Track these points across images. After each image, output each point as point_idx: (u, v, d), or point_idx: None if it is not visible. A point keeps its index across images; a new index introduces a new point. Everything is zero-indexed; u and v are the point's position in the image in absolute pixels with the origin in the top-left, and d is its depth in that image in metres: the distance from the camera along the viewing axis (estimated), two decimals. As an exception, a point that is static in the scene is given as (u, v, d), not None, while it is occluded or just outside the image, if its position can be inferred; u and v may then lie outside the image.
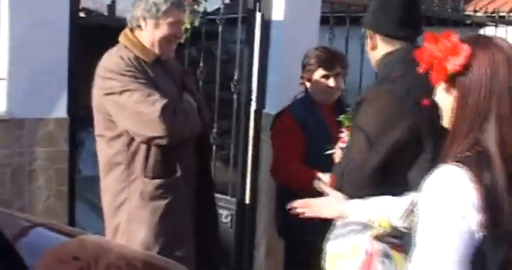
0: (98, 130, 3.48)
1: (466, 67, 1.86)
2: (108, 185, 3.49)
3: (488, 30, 6.77)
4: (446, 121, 1.98)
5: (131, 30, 3.48)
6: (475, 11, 6.64)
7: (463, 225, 1.75)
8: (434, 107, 2.03)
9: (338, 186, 2.68)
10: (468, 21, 6.65)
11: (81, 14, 10.99)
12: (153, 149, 3.37)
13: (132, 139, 3.35)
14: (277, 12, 4.94)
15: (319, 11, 5.14)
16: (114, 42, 3.52)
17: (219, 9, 5.16)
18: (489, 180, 1.77)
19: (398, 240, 2.10)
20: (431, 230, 1.78)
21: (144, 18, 3.40)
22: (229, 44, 6.60)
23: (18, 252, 2.62)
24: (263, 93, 5.02)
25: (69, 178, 4.36)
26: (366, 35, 3.01)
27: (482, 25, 7.01)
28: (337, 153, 3.17)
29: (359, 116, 2.79)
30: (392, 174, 2.61)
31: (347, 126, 3.10)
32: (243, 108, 5.06)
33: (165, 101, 3.26)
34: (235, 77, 5.02)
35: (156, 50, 3.43)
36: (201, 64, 4.98)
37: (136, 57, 3.37)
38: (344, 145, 3.05)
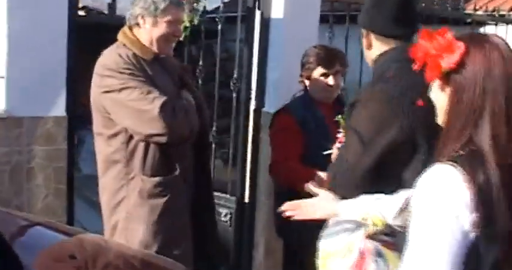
0: (96, 128, 3.48)
1: (461, 65, 1.85)
2: (106, 183, 3.48)
3: (488, 29, 6.76)
4: (440, 119, 1.97)
5: (130, 28, 3.48)
6: (475, 10, 6.62)
7: (456, 226, 1.74)
8: (430, 107, 2.02)
9: (332, 187, 2.67)
10: (468, 20, 6.64)
11: (82, 13, 10.98)
12: (152, 147, 3.37)
13: (131, 137, 3.35)
14: (277, 10, 4.93)
15: (318, 10, 5.13)
16: (114, 40, 3.52)
17: (218, 7, 5.14)
18: (483, 179, 1.77)
19: (391, 238, 2.09)
20: (424, 230, 1.78)
21: (143, 17, 3.39)
22: (229, 42, 6.58)
23: (14, 252, 2.61)
24: (262, 91, 5.01)
25: (67, 176, 4.34)
26: (361, 33, 3.00)
27: (482, 24, 7.00)
28: (334, 154, 3.16)
29: (353, 118, 2.78)
30: (387, 175, 2.60)
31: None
32: (243, 106, 5.04)
33: (164, 98, 3.26)
34: (235, 76, 5.01)
35: (155, 48, 3.43)
36: (201, 62, 4.97)
37: (135, 55, 3.37)
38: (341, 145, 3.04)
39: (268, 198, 4.79)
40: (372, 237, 2.08)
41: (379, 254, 2.06)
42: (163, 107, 3.24)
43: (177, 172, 3.44)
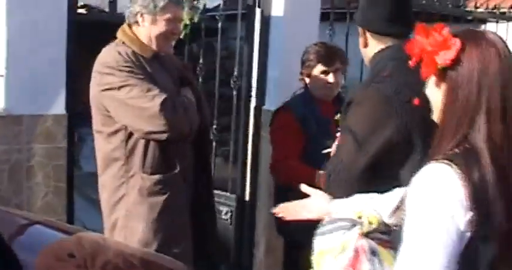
0: (96, 126, 3.47)
1: (456, 61, 1.84)
2: (106, 181, 3.48)
3: (489, 26, 6.75)
4: (435, 116, 1.95)
5: (129, 26, 3.47)
6: (476, 7, 6.61)
7: (451, 225, 1.73)
8: (426, 106, 2.01)
9: (326, 187, 2.66)
10: (469, 17, 6.63)
11: (83, 11, 10.99)
12: (152, 145, 3.36)
13: (130, 135, 3.34)
14: (277, 8, 4.93)
15: (319, 7, 5.12)
16: (115, 38, 3.51)
17: (219, 5, 5.14)
18: (478, 177, 1.75)
19: (387, 236, 2.08)
20: (419, 230, 1.77)
21: (142, 14, 3.39)
22: (230, 40, 6.58)
23: (13, 251, 2.60)
24: (263, 89, 5.01)
25: (67, 174, 4.34)
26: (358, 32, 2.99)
27: (483, 21, 6.99)
28: (333, 152, 3.16)
29: (348, 117, 2.77)
30: (383, 175, 2.59)
31: None
32: (243, 104, 5.04)
33: (164, 95, 3.26)
34: (235, 73, 5.00)
35: (154, 46, 3.42)
36: (201, 60, 4.96)
37: (134, 53, 3.37)
38: None
39: (268, 196, 4.78)
40: (367, 235, 2.07)
41: (373, 253, 2.04)
42: (163, 105, 3.23)
43: (177, 170, 3.43)
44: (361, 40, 2.93)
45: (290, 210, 2.57)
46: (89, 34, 5.15)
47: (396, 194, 2.17)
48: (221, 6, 5.10)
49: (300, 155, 3.89)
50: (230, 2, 5.16)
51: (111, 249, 2.99)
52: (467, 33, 1.89)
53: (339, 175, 2.67)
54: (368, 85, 2.76)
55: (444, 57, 1.83)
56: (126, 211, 3.41)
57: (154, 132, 3.28)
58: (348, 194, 2.41)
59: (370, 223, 2.07)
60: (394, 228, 2.01)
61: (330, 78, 3.91)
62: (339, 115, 3.12)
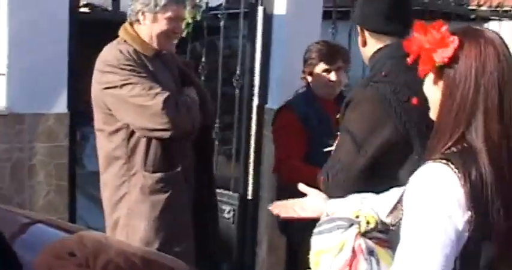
0: (98, 124, 3.47)
1: (454, 59, 1.82)
2: (108, 179, 3.48)
3: (492, 25, 6.73)
4: (433, 113, 1.94)
5: (131, 24, 3.47)
6: (479, 5, 6.60)
7: (449, 225, 1.71)
8: (425, 106, 1.99)
9: (325, 187, 2.65)
10: (472, 16, 6.61)
11: (86, 9, 11.00)
12: (153, 143, 3.36)
13: (132, 133, 3.34)
14: (279, 6, 4.91)
15: (321, 5, 5.11)
16: (117, 37, 3.50)
17: (221, 4, 5.13)
18: (476, 177, 1.74)
19: (384, 235, 2.07)
20: (416, 231, 1.75)
21: (143, 13, 3.38)
22: (233, 38, 6.57)
23: (13, 250, 2.60)
24: (265, 88, 4.99)
25: (69, 173, 4.34)
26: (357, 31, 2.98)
27: (486, 19, 6.97)
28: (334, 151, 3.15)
29: (346, 117, 2.76)
30: (381, 175, 2.58)
31: None
32: (245, 103, 5.03)
33: (166, 93, 3.25)
34: (237, 72, 4.99)
35: (155, 45, 3.41)
36: (203, 59, 4.96)
37: (136, 51, 3.36)
38: None
39: (271, 195, 4.76)
40: (364, 235, 2.06)
41: (371, 253, 2.03)
42: (165, 103, 3.23)
43: (178, 168, 3.43)
44: (359, 39, 2.93)
45: (285, 208, 2.55)
46: (91, 33, 5.15)
47: (393, 193, 2.15)
48: (223, 4, 5.09)
49: (302, 154, 3.88)
50: (232, 0, 5.15)
51: (113, 248, 2.99)
52: (465, 31, 1.88)
53: (338, 175, 2.66)
54: (366, 85, 2.75)
55: (442, 55, 1.82)
56: (128, 209, 3.41)
57: (157, 130, 3.28)
58: (346, 195, 2.39)
59: (367, 223, 2.06)
60: (392, 228, 2.00)
61: (332, 76, 3.90)
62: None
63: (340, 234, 2.07)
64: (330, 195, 2.47)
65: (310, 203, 2.46)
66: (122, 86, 3.26)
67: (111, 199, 3.47)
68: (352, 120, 2.71)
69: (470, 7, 6.80)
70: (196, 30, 5.00)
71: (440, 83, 1.87)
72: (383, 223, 2.07)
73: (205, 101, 3.60)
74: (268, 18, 4.93)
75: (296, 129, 3.91)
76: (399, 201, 1.97)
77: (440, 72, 1.85)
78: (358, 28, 2.93)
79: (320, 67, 3.91)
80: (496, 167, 1.75)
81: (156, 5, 3.35)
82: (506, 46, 1.85)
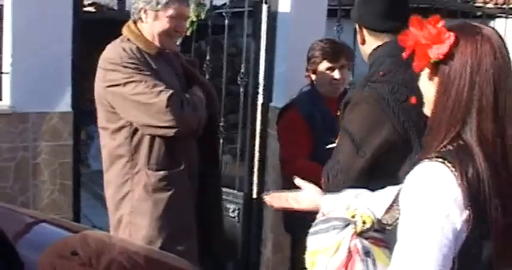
0: (101, 123, 3.46)
1: (449, 56, 1.80)
2: (111, 178, 3.47)
3: (498, 22, 6.71)
4: (428, 109, 1.92)
5: (134, 22, 3.46)
6: (485, 3, 6.59)
7: (447, 225, 1.70)
8: (424, 104, 1.98)
9: (325, 188, 2.64)
10: (478, 13, 6.59)
11: (91, 8, 11.03)
12: (157, 141, 3.35)
13: (135, 131, 3.33)
14: (284, 4, 4.90)
15: (326, 3, 5.10)
16: (121, 35, 3.50)
17: (226, 2, 5.12)
18: (473, 175, 1.72)
19: (381, 234, 2.05)
20: (413, 230, 1.74)
21: (145, 11, 3.37)
22: (238, 37, 6.57)
23: (15, 250, 2.60)
24: (270, 86, 4.98)
25: (73, 172, 4.34)
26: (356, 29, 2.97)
27: (492, 17, 6.95)
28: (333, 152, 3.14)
29: (345, 118, 2.76)
30: (380, 175, 2.56)
31: None
32: (250, 101, 5.02)
33: (170, 91, 3.24)
34: (242, 70, 4.98)
35: (157, 43, 3.40)
36: (208, 57, 4.95)
37: (139, 49, 3.35)
38: None
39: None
40: (360, 235, 2.04)
41: (367, 253, 2.02)
42: (170, 100, 3.22)
43: (182, 167, 3.42)
44: (358, 37, 2.92)
45: (280, 199, 2.54)
46: (97, 32, 5.15)
47: (389, 191, 2.14)
48: (228, 3, 5.08)
49: (307, 153, 3.86)
50: (238, -1, 5.15)
51: (116, 248, 2.98)
52: (463, 27, 1.85)
53: (337, 177, 2.65)
54: (364, 85, 2.74)
55: (437, 52, 1.80)
56: (131, 208, 3.40)
57: (162, 128, 3.27)
58: None
59: (364, 222, 2.04)
60: (388, 227, 1.99)
61: (336, 74, 3.88)
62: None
63: (336, 235, 2.05)
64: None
65: (304, 196, 2.45)
66: (125, 84, 3.26)
67: (115, 197, 3.46)
68: (350, 121, 2.70)
69: (476, 4, 6.78)
70: (201, 29, 4.99)
71: (435, 79, 1.85)
72: (379, 222, 2.06)
73: (212, 100, 3.59)
74: (272, 16, 4.92)
75: (301, 128, 3.90)
76: (395, 200, 1.95)
77: (435, 68, 1.84)
78: (357, 26, 2.92)
79: (323, 65, 3.90)
80: (491, 164, 1.74)
81: (157, 3, 3.34)
82: (503, 44, 1.83)
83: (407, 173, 1.84)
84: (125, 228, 3.42)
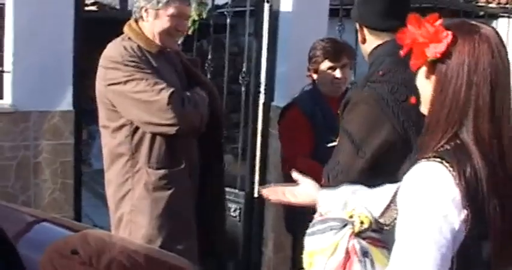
0: (102, 121, 3.47)
1: (446, 55, 1.79)
2: (112, 176, 3.47)
3: (501, 22, 6.70)
4: (424, 108, 1.92)
5: (136, 21, 3.46)
6: (488, 2, 6.58)
7: (445, 225, 1.69)
8: None
9: (326, 188, 2.63)
10: (480, 13, 6.58)
11: (94, 8, 11.05)
12: (158, 140, 3.35)
13: (135, 130, 3.33)
14: (286, 4, 4.90)
15: (327, 3, 5.09)
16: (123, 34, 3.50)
17: (228, 2, 5.12)
18: (470, 175, 1.71)
19: (379, 234, 2.05)
20: (411, 230, 1.73)
21: (146, 9, 3.37)
22: (240, 36, 6.57)
23: (16, 249, 2.59)
24: (271, 85, 4.98)
25: (74, 171, 4.34)
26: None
27: (494, 16, 6.95)
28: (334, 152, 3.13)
29: (344, 119, 2.75)
30: (380, 175, 2.55)
31: None
32: (252, 100, 5.01)
33: (171, 89, 3.24)
34: (244, 69, 4.97)
35: (157, 42, 3.40)
36: (209, 56, 4.95)
37: (140, 48, 3.35)
38: None
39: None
40: (358, 235, 2.04)
41: (365, 254, 2.01)
42: (171, 98, 3.22)
43: (182, 165, 3.42)
44: (359, 36, 2.91)
45: (276, 193, 2.54)
46: (99, 31, 5.15)
47: (386, 189, 2.13)
48: (230, 2, 5.07)
49: (309, 152, 3.86)
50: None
51: (117, 247, 2.98)
52: (461, 26, 1.84)
53: (338, 177, 2.65)
54: (364, 85, 2.74)
55: (434, 50, 1.79)
56: (132, 206, 3.40)
57: (163, 126, 3.27)
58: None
59: (361, 223, 2.04)
60: (386, 227, 1.98)
61: (337, 73, 3.88)
62: None
63: (334, 235, 2.05)
64: None
65: (301, 190, 2.45)
66: (126, 82, 3.26)
67: (115, 196, 3.47)
68: (350, 122, 2.70)
69: (478, 4, 6.77)
70: (203, 28, 4.99)
71: (432, 78, 1.84)
72: (377, 222, 2.05)
73: (213, 99, 3.58)
74: (274, 15, 4.92)
75: (302, 127, 3.90)
76: (392, 200, 1.95)
77: (432, 66, 1.83)
78: (357, 25, 2.92)
79: (325, 64, 3.89)
80: (489, 164, 1.73)
81: (158, 2, 3.34)
82: (502, 43, 1.82)
83: (406, 172, 1.84)
84: (125, 227, 3.42)
